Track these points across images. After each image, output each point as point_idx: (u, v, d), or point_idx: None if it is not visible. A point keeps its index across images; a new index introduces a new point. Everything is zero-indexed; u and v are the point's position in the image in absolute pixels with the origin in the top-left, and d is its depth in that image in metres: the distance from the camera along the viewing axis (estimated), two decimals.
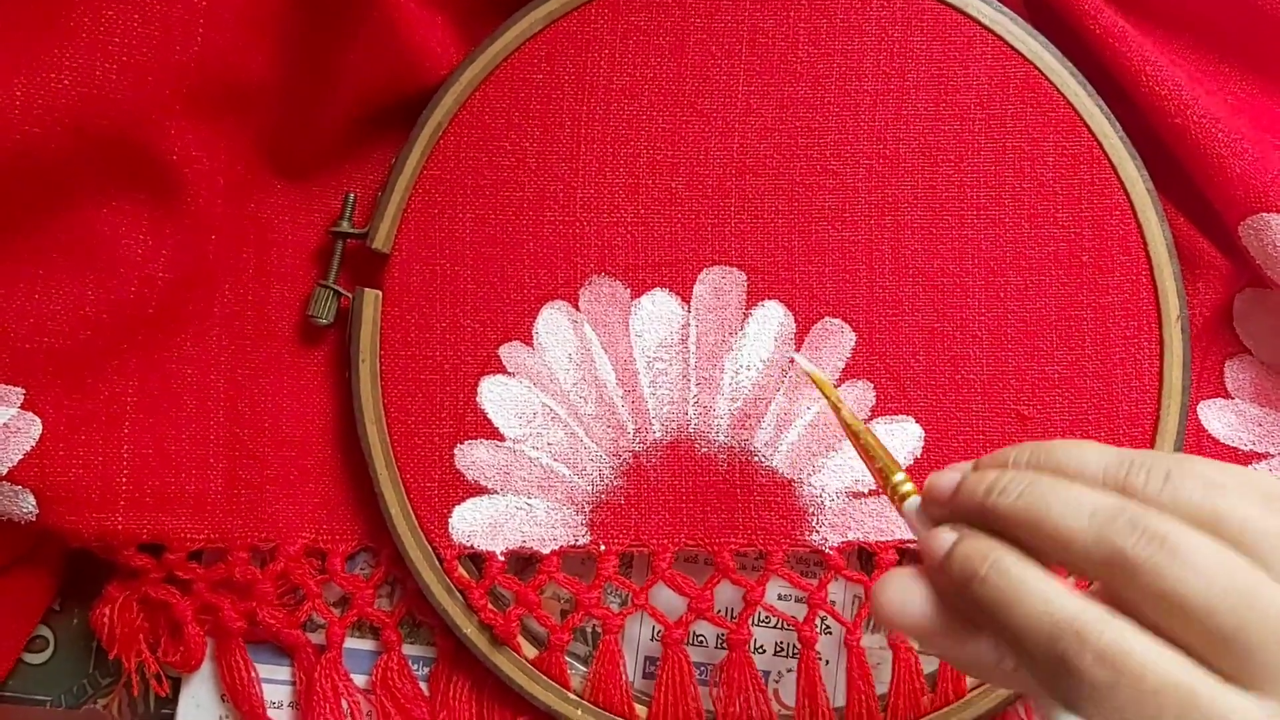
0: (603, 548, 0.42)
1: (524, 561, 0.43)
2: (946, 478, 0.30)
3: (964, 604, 0.28)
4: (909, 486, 0.31)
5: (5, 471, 0.40)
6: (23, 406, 0.40)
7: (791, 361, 0.42)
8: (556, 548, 0.42)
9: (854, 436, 0.35)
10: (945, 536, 0.29)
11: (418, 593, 0.42)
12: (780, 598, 0.44)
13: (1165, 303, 0.42)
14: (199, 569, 0.43)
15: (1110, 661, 0.25)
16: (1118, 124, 0.43)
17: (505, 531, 0.42)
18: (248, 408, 0.43)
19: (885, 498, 0.42)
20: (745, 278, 0.43)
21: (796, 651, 0.43)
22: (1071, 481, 0.28)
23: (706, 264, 0.43)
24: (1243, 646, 0.25)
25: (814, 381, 0.38)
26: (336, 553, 0.43)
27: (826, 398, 0.37)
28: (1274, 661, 0.25)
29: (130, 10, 0.39)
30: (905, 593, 0.29)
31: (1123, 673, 0.25)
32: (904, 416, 0.42)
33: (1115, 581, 0.26)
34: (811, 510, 0.42)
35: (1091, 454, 0.28)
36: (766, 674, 0.43)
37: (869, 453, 0.34)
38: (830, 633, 0.43)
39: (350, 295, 0.43)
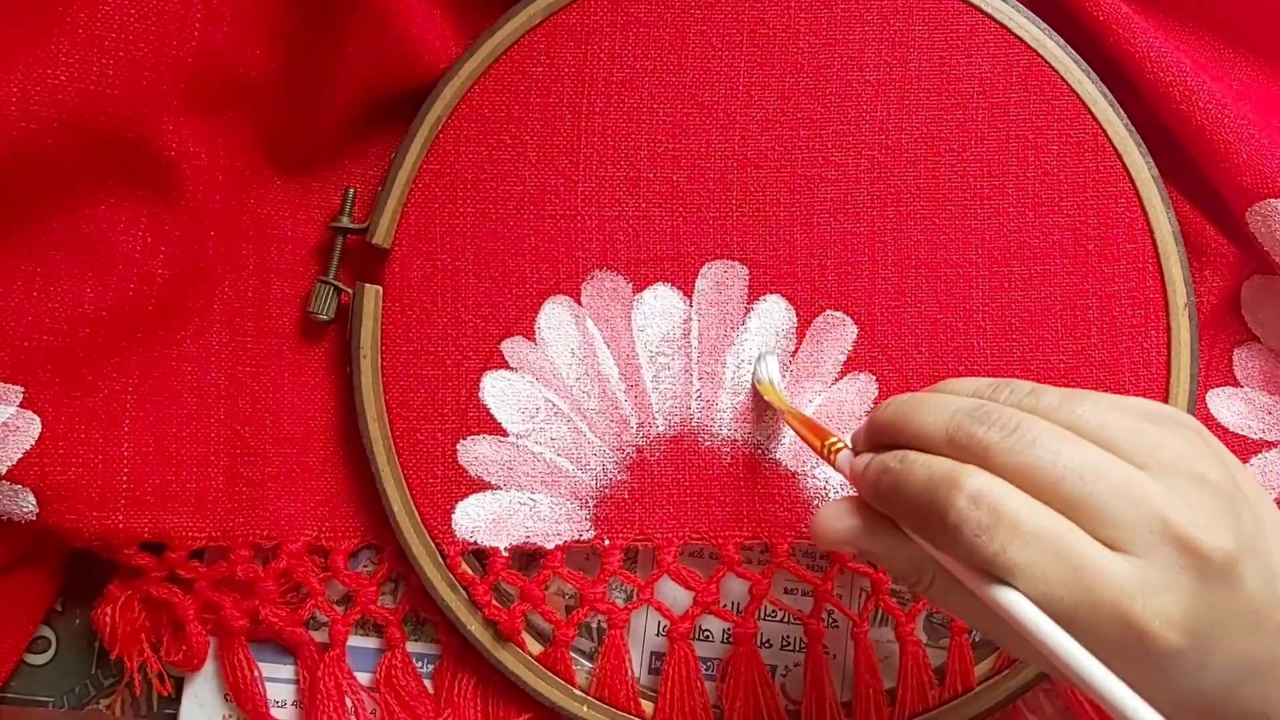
0: (607, 542, 0.42)
1: (528, 557, 0.43)
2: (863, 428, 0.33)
3: (879, 502, 0.30)
4: (839, 444, 0.34)
5: (5, 471, 0.39)
6: (22, 405, 0.40)
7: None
8: (561, 543, 0.42)
9: (789, 416, 0.38)
10: (862, 458, 0.31)
11: (421, 589, 0.42)
12: (787, 591, 0.43)
13: (1172, 290, 0.42)
14: (201, 567, 0.43)
15: (984, 503, 0.26)
16: (1122, 111, 0.42)
17: (509, 527, 0.42)
18: (248, 404, 0.43)
19: None
20: (747, 271, 0.43)
21: (803, 645, 0.43)
22: (943, 395, 0.31)
23: (708, 258, 0.43)
24: (1098, 510, 0.26)
25: (761, 387, 0.41)
26: (339, 550, 0.43)
27: (764, 391, 0.40)
28: (1132, 525, 0.26)
29: (127, 5, 0.39)
30: (833, 508, 0.32)
31: (1000, 514, 0.26)
32: None
33: (977, 463, 0.28)
34: (816, 502, 0.42)
35: (968, 381, 0.31)
36: (773, 668, 0.43)
37: (806, 426, 0.37)
38: (837, 626, 0.43)
39: (351, 291, 0.43)
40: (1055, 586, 0.26)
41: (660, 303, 0.42)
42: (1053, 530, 0.26)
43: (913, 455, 0.29)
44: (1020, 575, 0.26)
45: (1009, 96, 0.43)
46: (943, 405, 0.29)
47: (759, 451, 0.42)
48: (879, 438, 0.31)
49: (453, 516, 0.42)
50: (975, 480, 0.27)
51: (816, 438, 0.35)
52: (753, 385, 0.42)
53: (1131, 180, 0.42)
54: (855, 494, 0.32)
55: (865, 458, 0.31)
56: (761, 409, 0.42)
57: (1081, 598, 0.26)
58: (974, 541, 0.26)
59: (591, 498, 0.42)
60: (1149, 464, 0.27)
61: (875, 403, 0.42)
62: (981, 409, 0.28)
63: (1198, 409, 0.43)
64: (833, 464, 0.34)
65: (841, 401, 0.42)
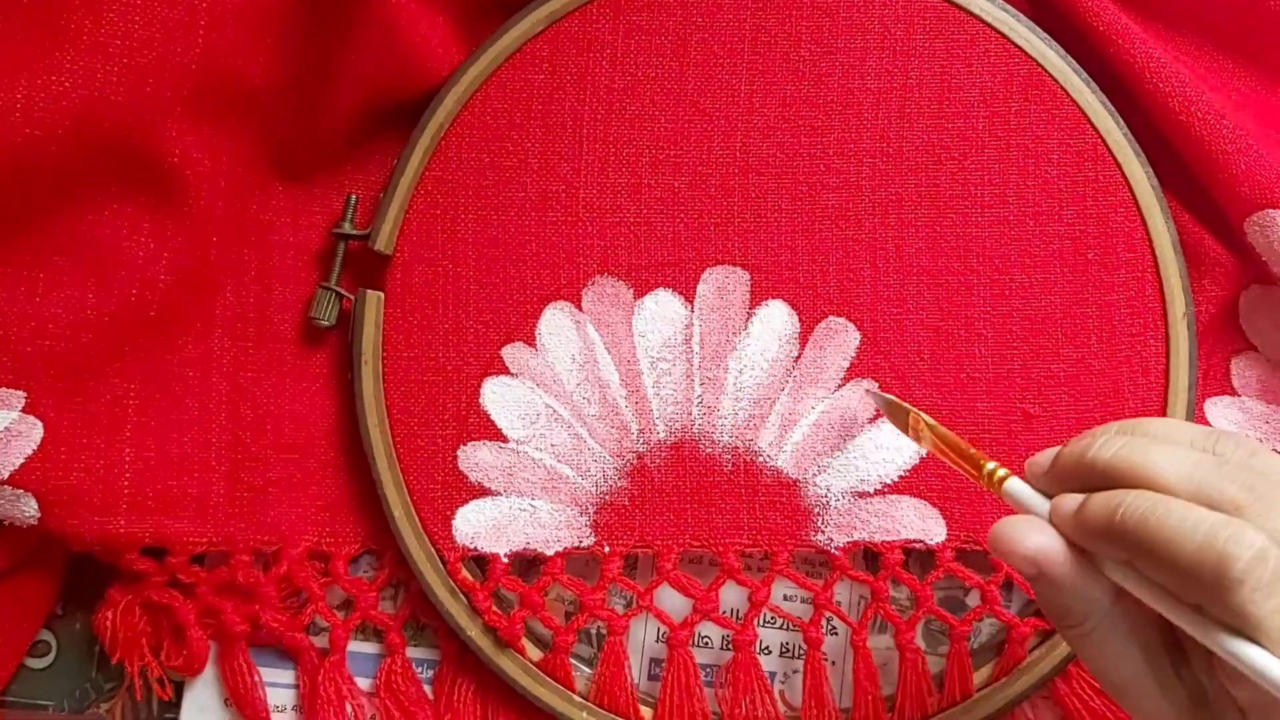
0: (607, 549, 0.42)
1: (528, 563, 0.43)
2: (1044, 456, 0.32)
3: (1103, 541, 0.29)
4: (1003, 471, 0.33)
5: (7, 475, 0.39)
6: (24, 410, 0.40)
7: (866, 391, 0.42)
8: (560, 549, 0.42)
9: (940, 441, 0.36)
10: (1073, 497, 0.30)
11: (421, 595, 0.42)
12: (786, 598, 0.43)
13: (1171, 300, 0.42)
14: (201, 572, 0.43)
15: (1267, 560, 0.26)
16: (1122, 121, 0.43)
17: (509, 533, 0.42)
18: (250, 410, 0.43)
19: (891, 497, 0.42)
20: (749, 277, 0.43)
21: (802, 652, 0.43)
22: (1168, 442, 0.30)
23: (710, 263, 0.43)
24: None
25: (886, 408, 0.40)
26: (340, 555, 0.43)
27: (900, 417, 0.39)
28: None
29: (131, 13, 0.39)
30: (1029, 524, 0.30)
31: (1277, 573, 0.26)
32: None
33: None
34: (816, 510, 0.42)
35: (1180, 425, 0.31)
36: (772, 675, 0.43)
37: (955, 450, 0.35)
38: (836, 633, 0.43)
39: (352, 297, 0.43)
40: None
41: (661, 308, 0.43)
42: None
43: (1166, 496, 0.28)
44: (1276, 639, 0.26)
45: (1009, 106, 0.43)
46: (1180, 454, 0.29)
47: (760, 459, 0.42)
48: (1085, 479, 0.30)
49: (453, 522, 0.42)
50: (1259, 536, 0.26)
51: (971, 463, 0.34)
52: (865, 395, 0.42)
53: (1131, 190, 0.42)
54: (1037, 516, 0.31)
55: (1075, 496, 0.30)
56: (852, 434, 0.42)
57: None
58: (1251, 596, 0.26)
59: (591, 504, 0.42)
60: None
61: (878, 411, 0.42)
62: (1225, 466, 0.28)
63: (1195, 418, 0.43)
64: (996, 490, 0.32)
65: (844, 408, 0.42)
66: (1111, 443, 0.30)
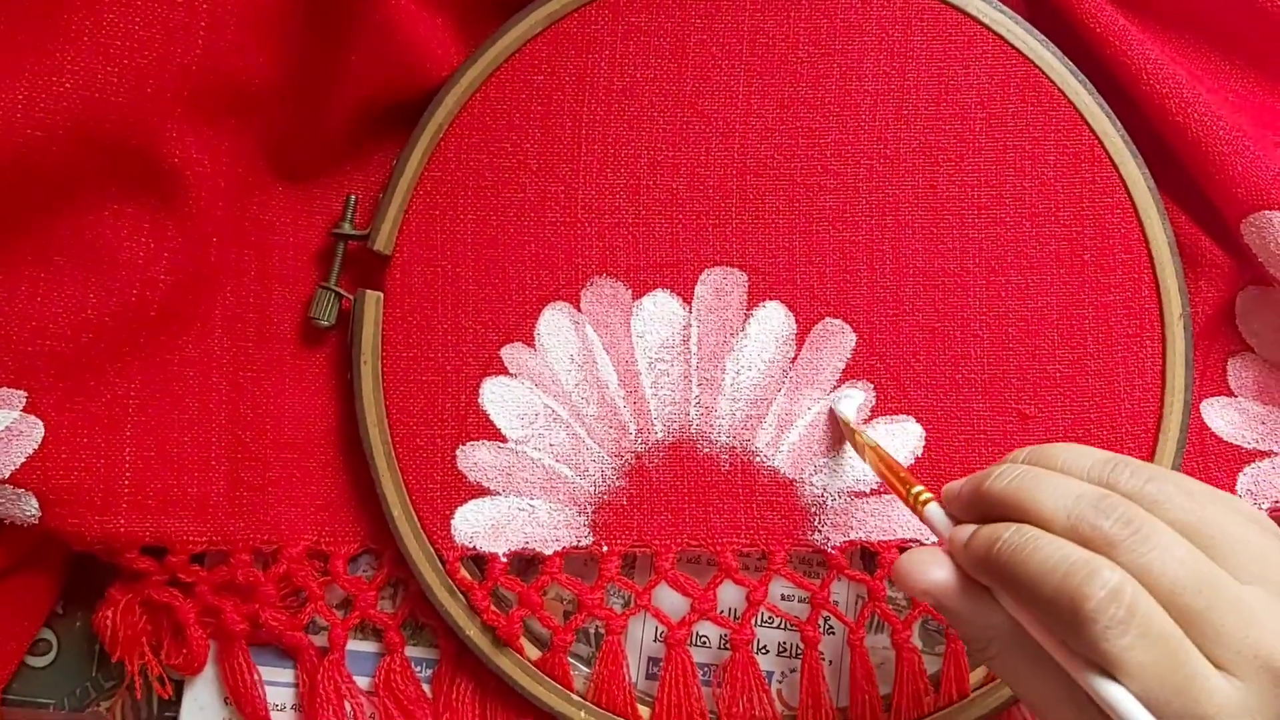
0: (605, 548, 0.42)
1: (526, 563, 0.43)
2: (958, 482, 0.33)
3: (983, 571, 0.30)
4: (927, 495, 0.34)
5: (8, 475, 0.40)
6: (25, 410, 0.40)
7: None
8: (559, 549, 0.42)
9: (874, 456, 0.38)
10: (968, 527, 0.31)
11: (420, 594, 0.42)
12: (783, 598, 0.44)
13: (1167, 301, 0.42)
14: (201, 571, 0.43)
15: (1121, 599, 0.27)
16: (1119, 122, 0.43)
17: (507, 533, 0.42)
18: (249, 410, 0.43)
19: (887, 497, 0.42)
20: (746, 278, 0.43)
21: (800, 652, 0.43)
22: (1060, 473, 0.31)
23: (708, 265, 0.43)
24: (1212, 628, 0.27)
25: (842, 426, 0.42)
26: (339, 555, 0.43)
27: (844, 426, 0.41)
28: (1241, 649, 0.27)
29: (131, 13, 0.39)
30: (927, 557, 0.31)
31: (1134, 612, 0.26)
32: (905, 416, 0.42)
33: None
34: (813, 510, 0.42)
35: (1082, 453, 0.31)
36: (770, 674, 0.43)
37: (890, 469, 0.37)
38: (833, 633, 0.43)
39: (352, 297, 0.43)
40: (1165, 693, 0.26)
41: (660, 309, 0.43)
42: (1174, 638, 0.27)
43: (1036, 531, 0.29)
44: (1134, 675, 0.26)
45: (1006, 107, 0.43)
46: (1064, 488, 0.29)
47: (757, 459, 0.42)
48: (986, 508, 0.31)
49: (452, 522, 0.42)
50: (1114, 574, 0.27)
51: (901, 484, 0.35)
52: (830, 415, 0.42)
53: (1128, 191, 0.43)
54: (938, 544, 0.32)
55: (968, 527, 0.31)
56: (835, 440, 0.42)
57: (1186, 709, 0.26)
58: (1104, 633, 0.26)
59: (590, 504, 0.42)
60: (1255, 580, 0.28)
61: (873, 411, 0.42)
62: (1106, 500, 0.29)
63: (1192, 418, 0.43)
64: (919, 514, 0.34)
65: (849, 392, 0.42)
66: (1006, 474, 0.31)
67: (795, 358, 0.43)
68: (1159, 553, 0.28)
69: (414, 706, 0.43)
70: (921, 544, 0.42)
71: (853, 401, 0.42)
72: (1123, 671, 0.26)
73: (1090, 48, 0.43)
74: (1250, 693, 0.26)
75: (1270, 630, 0.27)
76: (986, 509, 0.31)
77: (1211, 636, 0.27)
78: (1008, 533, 0.29)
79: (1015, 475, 0.31)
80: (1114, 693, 0.26)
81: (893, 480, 0.36)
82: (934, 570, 0.31)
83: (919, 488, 0.34)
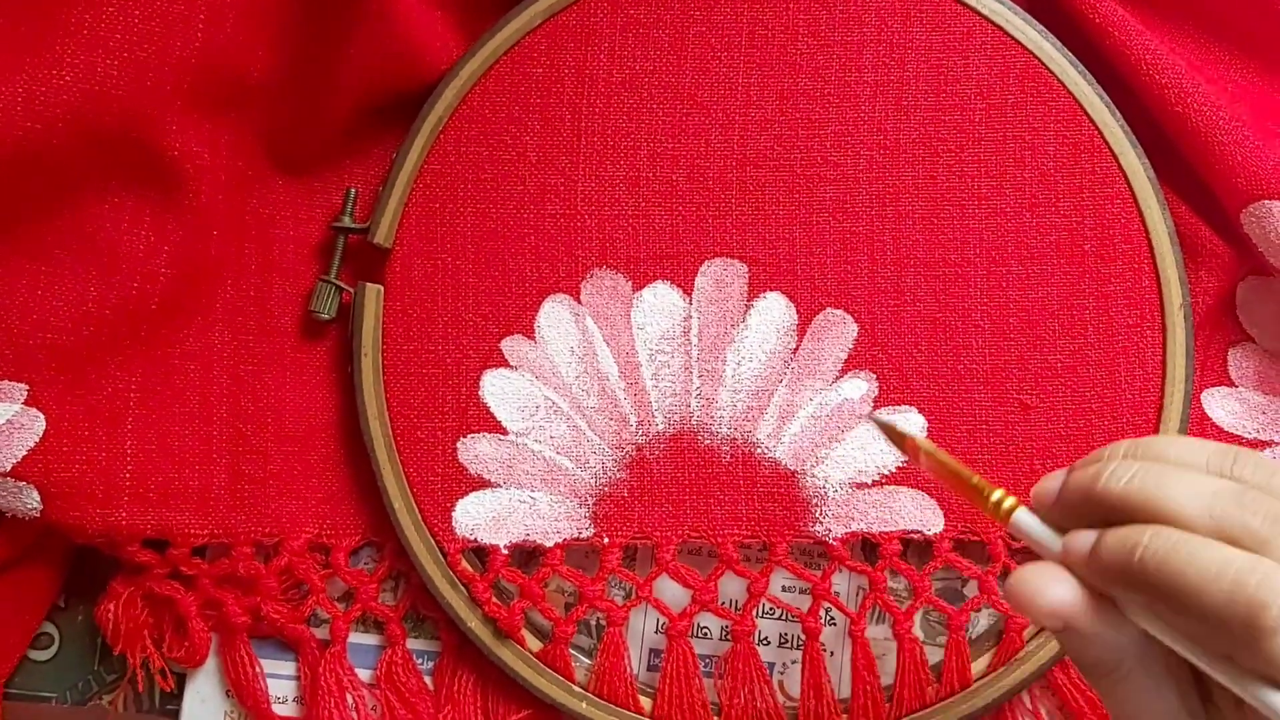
0: (606, 540, 0.42)
1: (527, 555, 0.43)
2: (1051, 482, 0.30)
3: (1122, 585, 0.27)
4: (1010, 500, 0.30)
5: (9, 468, 0.40)
6: (26, 403, 0.40)
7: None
8: (560, 540, 0.42)
9: (942, 467, 0.33)
10: (1085, 534, 0.28)
11: (421, 587, 0.42)
12: (784, 589, 0.44)
13: (1168, 291, 0.42)
14: (203, 564, 0.43)
15: None
16: (1118, 113, 0.43)
17: (508, 525, 0.42)
18: (250, 403, 0.43)
19: (889, 488, 0.42)
20: (747, 269, 0.43)
21: (801, 643, 0.43)
22: (1184, 468, 0.28)
23: (708, 256, 0.43)
24: None
25: (887, 433, 0.37)
26: (340, 547, 0.43)
27: (901, 443, 0.36)
28: None
29: (130, 7, 0.39)
30: (1044, 574, 0.28)
31: None
32: (906, 407, 0.42)
33: None
34: (814, 501, 0.42)
35: (1195, 445, 0.28)
36: (771, 665, 0.43)
37: (955, 473, 0.32)
38: (834, 624, 0.43)
39: (352, 290, 0.43)
40: None
41: (660, 301, 0.43)
42: None
43: (1184, 534, 0.26)
44: None
45: (1006, 98, 0.43)
46: (1198, 484, 0.27)
47: (758, 450, 0.42)
48: (1103, 511, 0.28)
49: (453, 514, 0.42)
50: None
51: (973, 490, 0.31)
52: (880, 429, 0.39)
53: (1128, 181, 0.42)
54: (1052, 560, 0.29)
55: (1087, 535, 0.28)
56: (850, 426, 0.41)
57: None
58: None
59: (591, 496, 0.42)
60: None
61: (875, 402, 0.42)
62: (1246, 495, 0.26)
63: (1193, 409, 0.43)
64: (1002, 521, 0.30)
65: (842, 399, 0.42)
66: (1122, 471, 0.28)
67: (796, 349, 0.43)
68: None
69: (415, 699, 0.43)
70: (923, 535, 0.42)
71: (908, 421, 0.41)
72: None
73: (1090, 38, 0.43)
74: None
75: None
76: (1103, 512, 0.28)
77: None
78: (1147, 537, 0.26)
79: (1135, 472, 0.27)
80: None
81: (965, 485, 0.31)
82: (1056, 588, 0.27)
83: (999, 492, 0.30)
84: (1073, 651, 0.29)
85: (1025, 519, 0.29)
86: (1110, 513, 0.27)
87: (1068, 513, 0.29)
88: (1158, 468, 0.28)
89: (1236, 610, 0.25)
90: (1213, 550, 0.25)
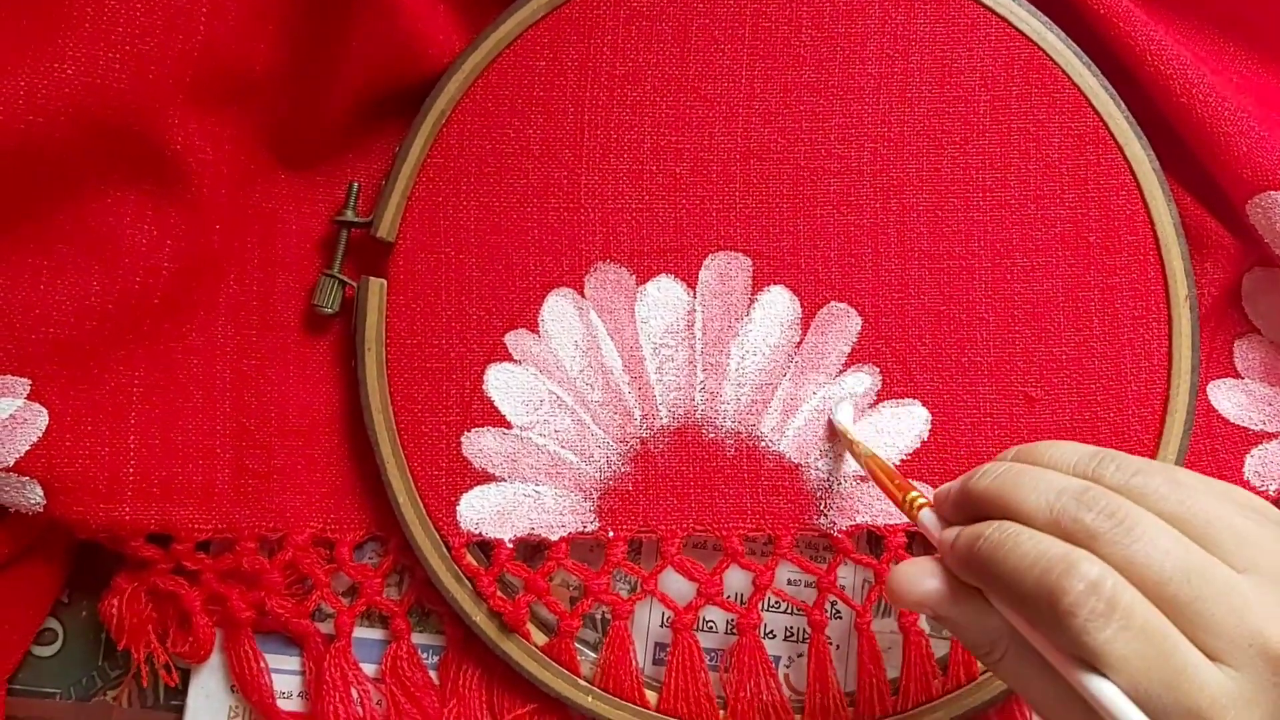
0: (611, 534, 0.42)
1: (532, 549, 0.43)
2: (949, 484, 0.33)
3: (969, 572, 0.30)
4: (922, 500, 0.34)
5: (12, 462, 0.39)
6: (29, 397, 0.40)
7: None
8: (565, 534, 0.42)
9: (870, 464, 0.38)
10: (953, 530, 0.31)
11: (426, 581, 0.42)
12: (790, 582, 0.44)
13: (1173, 283, 0.42)
14: (207, 559, 0.43)
15: (1101, 591, 0.26)
16: (1123, 104, 0.43)
17: (513, 519, 0.42)
18: (254, 397, 0.43)
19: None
20: (751, 263, 0.43)
21: (807, 636, 0.43)
22: (1044, 469, 0.30)
23: (712, 249, 0.43)
24: (1202, 618, 0.26)
25: (835, 424, 0.42)
26: (344, 542, 0.43)
27: (842, 436, 0.41)
28: (1235, 638, 0.26)
29: (133, 0, 0.39)
30: (917, 569, 0.31)
31: (1115, 605, 0.26)
32: (910, 400, 0.42)
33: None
34: (819, 494, 0.42)
35: (1068, 449, 0.31)
36: (777, 659, 0.43)
37: (887, 476, 0.37)
38: (840, 617, 0.43)
39: (355, 284, 0.43)
40: (1153, 686, 0.26)
41: (664, 294, 0.43)
42: (1159, 630, 0.26)
43: (1016, 528, 0.29)
44: (1120, 669, 0.26)
45: (1010, 89, 0.43)
46: (1046, 483, 0.29)
47: (762, 444, 0.42)
48: (973, 508, 0.31)
49: (457, 508, 0.42)
50: (1093, 567, 0.27)
51: (898, 490, 0.35)
52: (828, 422, 0.42)
53: (1132, 172, 0.42)
54: (935, 555, 0.32)
55: (955, 530, 0.31)
56: (834, 442, 0.42)
57: (1176, 702, 0.26)
58: (1084, 627, 0.26)
59: (595, 489, 0.42)
60: (1249, 568, 0.27)
61: (879, 395, 0.42)
62: (1088, 493, 0.28)
63: (1198, 401, 0.43)
64: (914, 520, 0.34)
65: (846, 394, 0.42)
66: (990, 471, 0.30)
67: (800, 342, 0.43)
68: (1144, 544, 0.27)
69: (420, 693, 0.43)
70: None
71: (848, 405, 0.42)
72: (1108, 665, 0.26)
73: (1094, 29, 0.43)
74: (1245, 681, 0.26)
75: (1265, 616, 0.26)
76: (973, 509, 0.31)
77: (1203, 626, 0.26)
78: (989, 530, 0.29)
79: (999, 473, 0.30)
80: (1101, 688, 0.26)
81: (890, 487, 0.36)
82: (924, 581, 0.31)
83: (914, 493, 0.34)
84: (954, 635, 0.31)
85: (926, 517, 0.33)
86: (981, 509, 0.30)
87: (954, 511, 0.32)
88: (1019, 468, 0.30)
89: (1042, 595, 0.27)
90: (1034, 542, 0.28)
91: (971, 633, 0.30)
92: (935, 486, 0.41)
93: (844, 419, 0.42)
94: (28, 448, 0.40)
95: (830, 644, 0.43)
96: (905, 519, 0.42)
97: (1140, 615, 0.26)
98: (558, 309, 0.43)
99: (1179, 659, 0.26)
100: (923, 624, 0.42)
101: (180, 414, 0.43)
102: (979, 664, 0.42)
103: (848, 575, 0.43)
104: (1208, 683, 0.26)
